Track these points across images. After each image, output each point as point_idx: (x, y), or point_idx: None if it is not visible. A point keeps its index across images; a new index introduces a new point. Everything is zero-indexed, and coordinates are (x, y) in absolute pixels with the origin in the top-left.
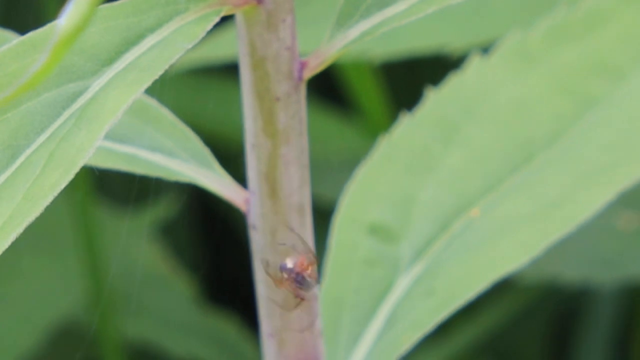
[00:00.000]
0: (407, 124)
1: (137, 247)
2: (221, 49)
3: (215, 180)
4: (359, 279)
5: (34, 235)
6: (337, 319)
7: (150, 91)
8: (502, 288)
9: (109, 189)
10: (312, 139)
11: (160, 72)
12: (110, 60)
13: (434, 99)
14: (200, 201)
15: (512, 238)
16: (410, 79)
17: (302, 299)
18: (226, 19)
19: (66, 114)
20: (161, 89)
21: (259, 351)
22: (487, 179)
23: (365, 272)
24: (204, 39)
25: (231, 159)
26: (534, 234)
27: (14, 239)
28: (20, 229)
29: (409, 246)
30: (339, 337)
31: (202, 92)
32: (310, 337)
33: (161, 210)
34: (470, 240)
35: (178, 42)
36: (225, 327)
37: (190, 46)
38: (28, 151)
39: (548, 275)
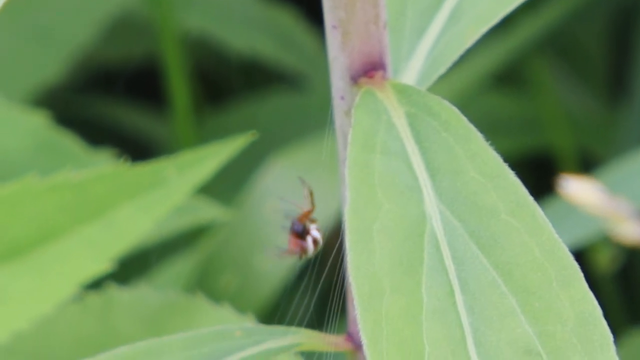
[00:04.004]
0: None
1: None
2: None
3: None
4: None
5: None
6: (401, 11)
7: None
8: None
9: None
10: None
11: None
12: None
13: None
14: None
15: None
16: None
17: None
18: None
19: None
20: None
21: (320, 44)
22: None
23: None
24: None
25: None
26: None
27: None
28: None
29: None
30: (403, 29)
31: None
32: (375, 29)
33: None
34: None
35: None
36: (286, 19)
37: None
38: None
39: None
